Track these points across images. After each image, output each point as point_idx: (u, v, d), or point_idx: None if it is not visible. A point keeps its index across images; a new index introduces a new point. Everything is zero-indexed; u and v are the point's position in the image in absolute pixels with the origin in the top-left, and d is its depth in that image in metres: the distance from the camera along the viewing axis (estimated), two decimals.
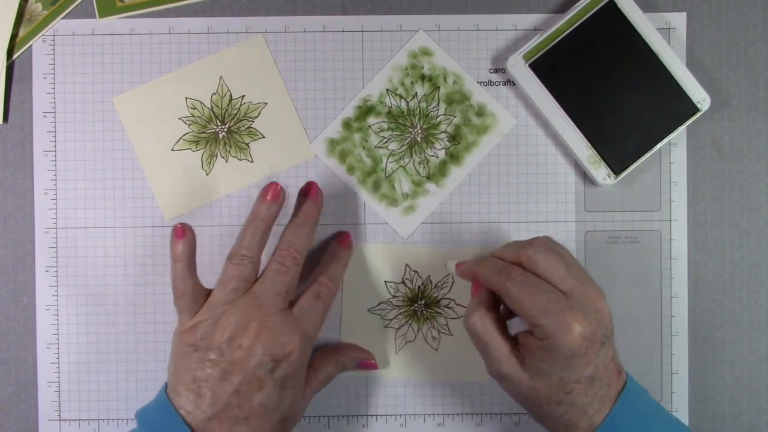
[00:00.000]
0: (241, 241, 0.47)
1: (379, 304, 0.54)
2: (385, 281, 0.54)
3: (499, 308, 0.47)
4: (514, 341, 0.45)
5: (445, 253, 0.54)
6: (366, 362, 0.53)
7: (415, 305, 0.54)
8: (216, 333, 0.45)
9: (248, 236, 0.47)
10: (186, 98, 0.53)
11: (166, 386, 0.46)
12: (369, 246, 0.54)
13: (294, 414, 0.47)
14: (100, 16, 0.53)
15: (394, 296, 0.54)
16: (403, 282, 0.54)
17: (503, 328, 0.46)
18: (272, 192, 0.48)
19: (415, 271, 0.54)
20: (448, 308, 0.54)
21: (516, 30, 0.54)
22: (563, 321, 0.42)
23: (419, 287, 0.54)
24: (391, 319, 0.54)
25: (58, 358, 0.53)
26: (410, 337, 0.54)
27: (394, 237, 0.54)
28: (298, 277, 0.48)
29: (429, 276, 0.54)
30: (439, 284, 0.54)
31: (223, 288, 0.46)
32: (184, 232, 0.47)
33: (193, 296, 0.46)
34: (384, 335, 0.54)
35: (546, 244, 0.45)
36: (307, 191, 0.50)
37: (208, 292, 0.47)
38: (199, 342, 0.45)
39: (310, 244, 0.50)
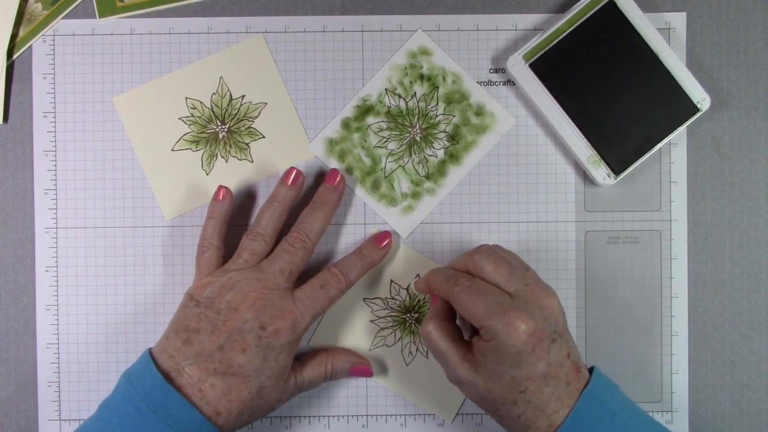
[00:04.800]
0: (258, 220, 0.50)
1: (375, 298, 0.54)
2: (392, 280, 0.54)
3: (455, 318, 0.49)
4: (468, 347, 0.46)
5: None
6: (360, 367, 0.52)
7: (408, 315, 0.54)
8: (218, 295, 0.47)
9: (265, 216, 0.50)
10: (186, 98, 0.53)
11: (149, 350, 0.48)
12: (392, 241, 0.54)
13: (271, 394, 0.48)
14: (100, 16, 0.53)
15: (393, 298, 0.54)
16: (407, 289, 0.54)
17: (458, 336, 0.47)
18: (292, 176, 0.51)
19: None
20: None
21: (516, 30, 0.54)
22: (507, 320, 0.43)
23: (419, 301, 0.54)
24: (380, 317, 0.54)
25: (58, 358, 0.53)
26: (389, 342, 0.54)
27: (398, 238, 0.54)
28: (307, 260, 0.50)
29: None
30: None
31: (237, 258, 0.49)
32: (224, 196, 0.51)
33: (213, 256, 0.50)
34: (366, 328, 0.54)
35: (490, 249, 0.47)
36: (328, 177, 0.51)
37: (226, 262, 0.50)
38: (202, 299, 0.48)
39: (324, 228, 0.51)
